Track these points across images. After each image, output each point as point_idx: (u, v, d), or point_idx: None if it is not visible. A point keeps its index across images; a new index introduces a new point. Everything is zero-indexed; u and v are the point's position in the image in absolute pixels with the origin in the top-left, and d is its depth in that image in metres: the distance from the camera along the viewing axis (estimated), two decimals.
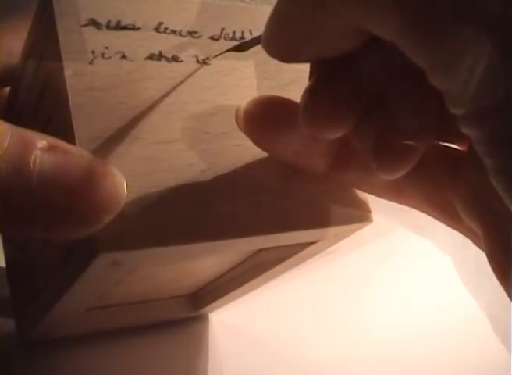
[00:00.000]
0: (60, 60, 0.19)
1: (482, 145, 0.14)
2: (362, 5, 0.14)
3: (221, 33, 0.22)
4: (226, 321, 0.34)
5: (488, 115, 0.14)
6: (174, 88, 0.21)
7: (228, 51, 0.21)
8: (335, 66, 0.18)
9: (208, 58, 0.22)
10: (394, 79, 0.18)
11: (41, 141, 0.16)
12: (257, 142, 0.21)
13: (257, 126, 0.20)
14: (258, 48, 0.21)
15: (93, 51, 0.19)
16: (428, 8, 0.13)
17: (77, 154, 0.17)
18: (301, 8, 0.16)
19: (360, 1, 0.14)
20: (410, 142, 0.18)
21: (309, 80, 0.19)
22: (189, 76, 0.21)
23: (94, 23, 0.20)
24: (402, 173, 0.18)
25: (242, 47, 0.21)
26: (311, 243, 0.23)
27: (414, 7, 0.14)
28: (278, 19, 0.17)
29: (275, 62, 0.18)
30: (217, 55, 0.22)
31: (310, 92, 0.18)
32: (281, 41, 0.17)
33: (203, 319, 0.34)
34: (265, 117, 0.20)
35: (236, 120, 0.21)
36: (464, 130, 0.14)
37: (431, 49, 0.14)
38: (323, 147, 0.21)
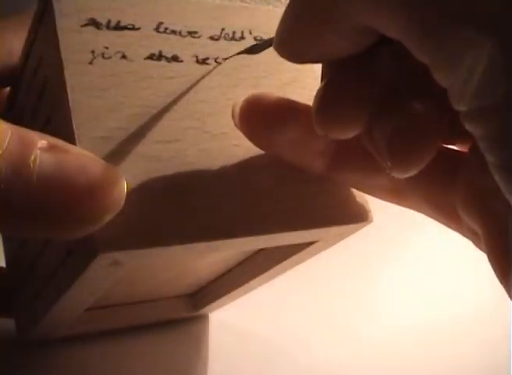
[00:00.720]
0: (60, 60, 0.19)
1: (484, 142, 0.14)
2: (370, 5, 0.15)
3: (221, 33, 0.22)
4: (226, 321, 0.34)
5: (489, 113, 0.14)
6: (188, 89, 0.21)
7: (240, 53, 0.21)
8: (347, 65, 0.18)
9: (207, 58, 0.22)
10: (406, 77, 0.18)
11: (41, 141, 0.16)
12: (252, 139, 0.21)
13: (251, 124, 0.20)
14: None
15: (93, 51, 0.19)
16: (428, 8, 0.14)
17: (77, 153, 0.17)
18: (314, 8, 0.16)
19: (368, 1, 0.15)
20: (425, 140, 0.18)
21: (321, 81, 0.19)
22: (203, 78, 0.21)
23: (94, 22, 0.20)
24: (416, 171, 0.18)
25: (254, 49, 0.21)
26: (311, 243, 0.23)
27: (415, 7, 0.14)
28: (290, 20, 0.17)
29: (275, 61, 0.18)
30: (229, 58, 0.22)
31: (322, 92, 0.18)
32: (293, 41, 0.18)
33: (203, 319, 0.34)
34: (259, 114, 0.20)
35: (232, 117, 0.21)
36: (467, 126, 0.14)
37: (432, 48, 0.14)
38: (320, 145, 0.21)
